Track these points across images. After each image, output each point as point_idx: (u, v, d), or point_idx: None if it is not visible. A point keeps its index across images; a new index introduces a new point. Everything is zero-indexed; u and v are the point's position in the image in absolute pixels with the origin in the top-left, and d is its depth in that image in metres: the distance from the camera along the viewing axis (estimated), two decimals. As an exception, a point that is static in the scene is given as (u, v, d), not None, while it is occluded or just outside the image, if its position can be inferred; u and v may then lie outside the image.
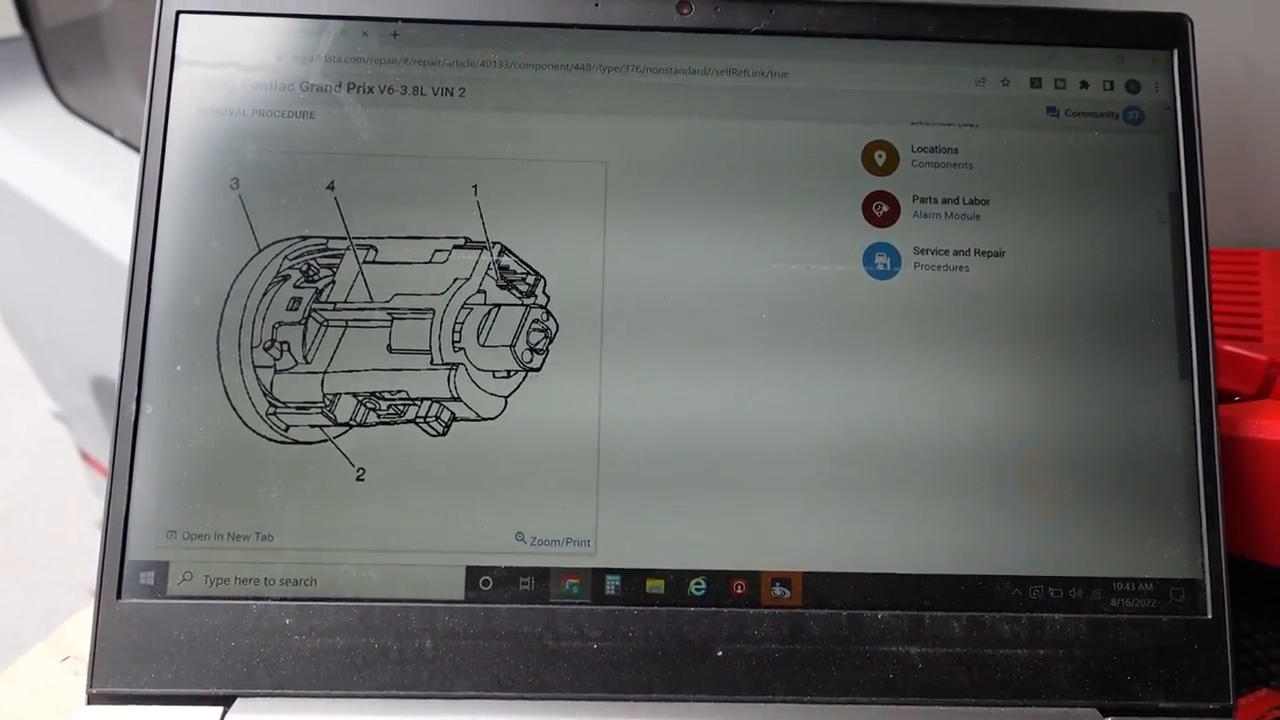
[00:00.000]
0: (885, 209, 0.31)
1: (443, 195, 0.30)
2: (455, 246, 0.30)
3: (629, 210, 0.30)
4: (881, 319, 0.30)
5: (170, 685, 0.27)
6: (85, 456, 1.07)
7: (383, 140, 0.30)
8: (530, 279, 0.30)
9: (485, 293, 0.30)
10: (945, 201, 0.31)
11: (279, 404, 0.29)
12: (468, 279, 0.30)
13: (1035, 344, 0.30)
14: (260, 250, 0.30)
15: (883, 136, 0.31)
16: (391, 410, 0.29)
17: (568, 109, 0.31)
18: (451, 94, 0.31)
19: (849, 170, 0.31)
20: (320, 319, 0.29)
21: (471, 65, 0.31)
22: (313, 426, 0.29)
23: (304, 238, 0.30)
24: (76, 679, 0.30)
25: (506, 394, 0.29)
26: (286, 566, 0.28)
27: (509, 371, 0.29)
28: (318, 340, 0.29)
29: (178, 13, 0.31)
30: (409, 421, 0.29)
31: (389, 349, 0.29)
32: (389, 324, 0.29)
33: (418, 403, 0.29)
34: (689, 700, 0.28)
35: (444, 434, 0.29)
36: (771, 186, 0.31)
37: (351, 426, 0.29)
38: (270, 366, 0.29)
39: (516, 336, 0.30)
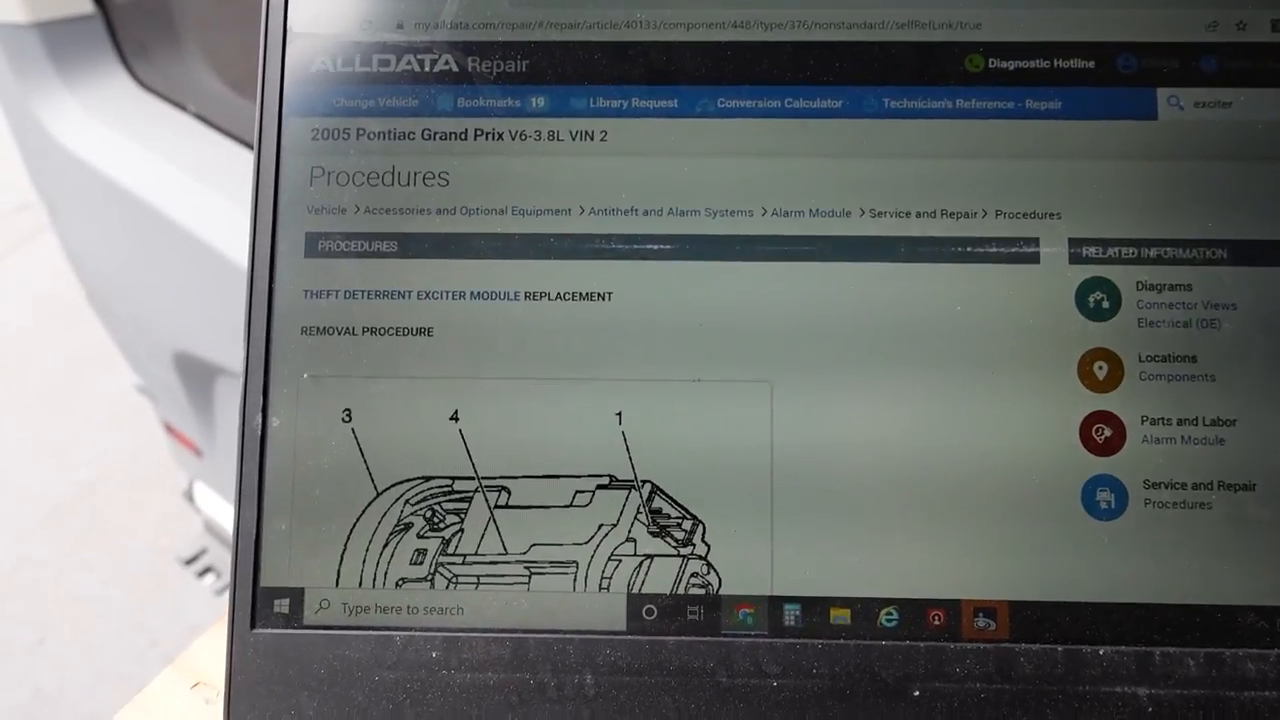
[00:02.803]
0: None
1: (582, 424, 0.26)
2: (599, 487, 0.26)
3: (797, 439, 0.26)
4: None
5: (310, 724, 0.25)
6: (169, 428, 1.08)
7: (512, 358, 0.26)
8: (687, 525, 0.26)
9: (635, 541, 0.26)
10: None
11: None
12: (614, 525, 0.26)
13: None
14: (379, 495, 0.26)
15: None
16: None
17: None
18: (598, 298, 0.27)
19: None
20: (448, 574, 0.26)
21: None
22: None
23: (426, 479, 0.26)
24: (208, 707, 0.28)
25: None
26: (431, 594, 0.26)
27: None
28: None
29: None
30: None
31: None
32: (526, 580, 0.26)
33: None
34: (882, 746, 0.25)
35: None
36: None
37: None
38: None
39: (672, 592, 0.26)
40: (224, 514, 1.13)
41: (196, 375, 0.88)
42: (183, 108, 0.83)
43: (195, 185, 0.75)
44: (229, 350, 0.79)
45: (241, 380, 0.26)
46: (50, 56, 0.82)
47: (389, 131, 0.27)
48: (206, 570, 1.26)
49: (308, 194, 0.27)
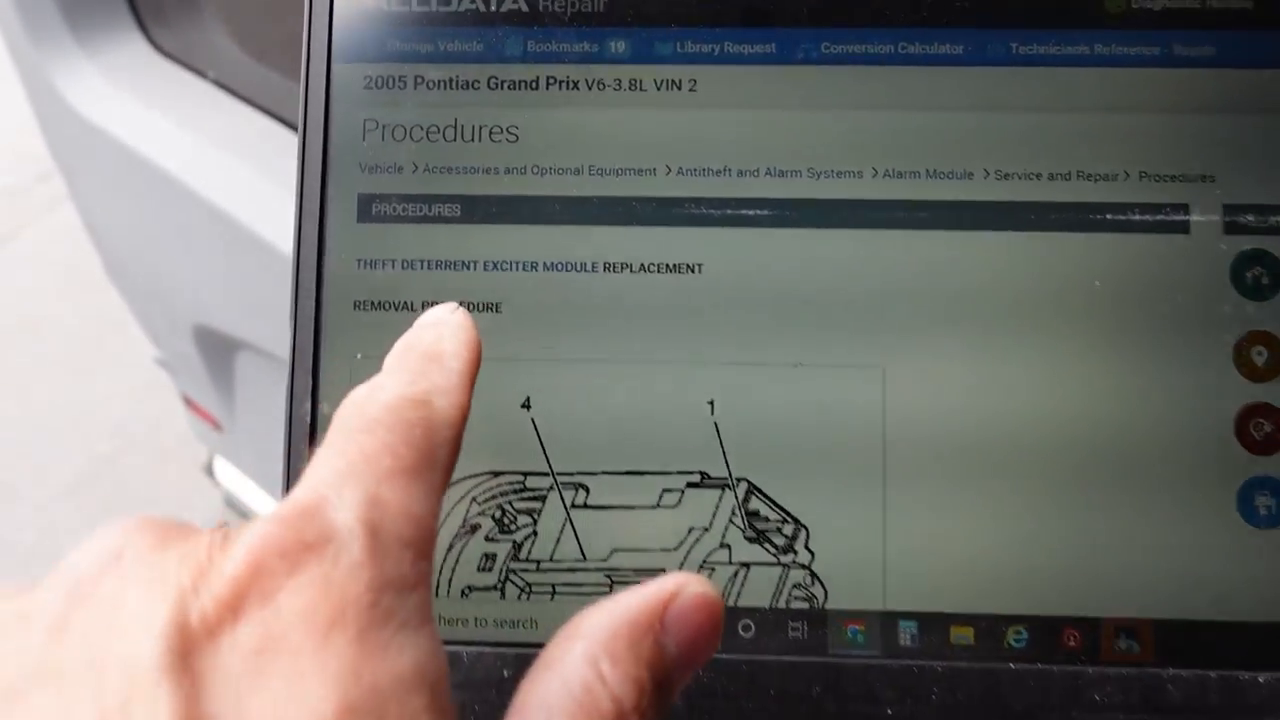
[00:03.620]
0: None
1: (670, 413, 0.23)
2: (689, 485, 0.23)
3: (913, 431, 0.23)
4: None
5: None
6: (188, 402, 1.07)
7: (590, 337, 0.23)
8: (788, 529, 0.23)
9: (730, 548, 0.23)
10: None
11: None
12: (706, 529, 0.23)
13: None
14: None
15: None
16: None
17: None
18: (687, 270, 0.24)
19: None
20: (520, 583, 0.23)
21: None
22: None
23: (495, 474, 0.23)
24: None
25: None
26: (501, 605, 0.23)
27: None
28: None
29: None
30: None
31: None
32: (608, 589, 0.23)
33: None
34: (1010, 782, 0.22)
35: None
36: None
37: None
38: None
39: (772, 605, 0.23)
40: (244, 489, 1.12)
41: (216, 349, 0.87)
42: (202, 74, 0.80)
43: (214, 154, 0.73)
44: (249, 324, 0.77)
45: (289, 360, 0.23)
46: (66, 22, 0.81)
47: (451, 79, 0.24)
48: (229, 546, 1.24)
49: (360, 150, 0.24)
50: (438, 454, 0.16)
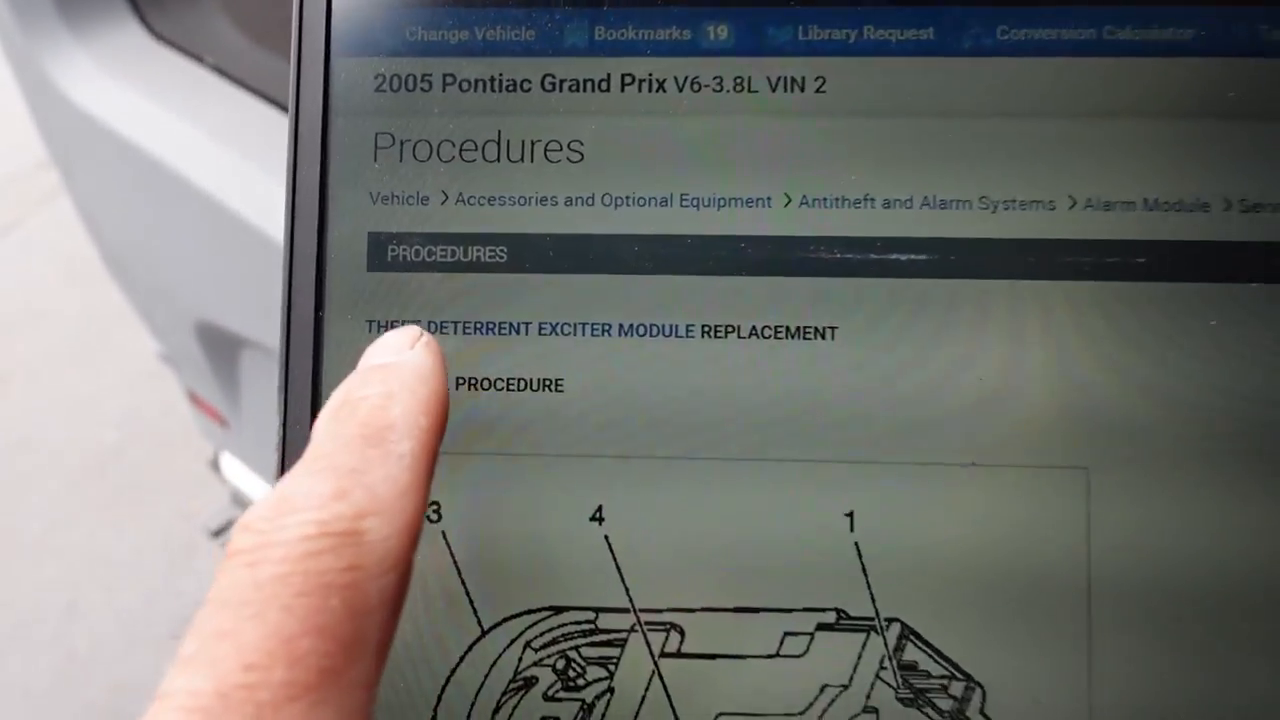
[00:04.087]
0: None
1: (795, 530, 0.17)
2: (820, 627, 0.17)
3: (1128, 560, 0.17)
4: None
5: None
6: (193, 397, 1.03)
7: (686, 428, 0.18)
8: (957, 688, 0.17)
9: (877, 713, 0.17)
10: None
11: None
12: (845, 686, 0.17)
13: None
14: (485, 634, 0.17)
15: None
16: None
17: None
18: (817, 336, 0.18)
19: None
20: None
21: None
22: None
23: (557, 610, 0.17)
24: None
25: None
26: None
27: None
28: None
29: None
30: None
31: None
32: None
33: None
34: None
35: None
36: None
37: None
38: None
39: None
40: (251, 486, 1.08)
41: (220, 346, 0.84)
42: (200, 60, 0.77)
43: (214, 144, 0.70)
44: (254, 322, 0.75)
45: (276, 456, 0.17)
46: (58, 7, 0.80)
47: (492, 79, 0.18)
48: (236, 544, 1.23)
49: (371, 175, 0.18)
50: (365, 633, 0.11)
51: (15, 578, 1.22)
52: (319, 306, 0.17)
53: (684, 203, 0.18)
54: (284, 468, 0.17)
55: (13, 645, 1.13)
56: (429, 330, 0.17)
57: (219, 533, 1.31)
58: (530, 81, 0.18)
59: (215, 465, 1.18)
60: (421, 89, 0.18)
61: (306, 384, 0.17)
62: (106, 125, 0.75)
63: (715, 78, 0.18)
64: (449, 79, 0.18)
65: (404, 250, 0.18)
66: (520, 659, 0.17)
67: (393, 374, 0.13)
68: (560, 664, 0.17)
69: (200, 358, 0.88)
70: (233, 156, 0.68)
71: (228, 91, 0.74)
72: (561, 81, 0.18)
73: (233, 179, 0.67)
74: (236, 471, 1.12)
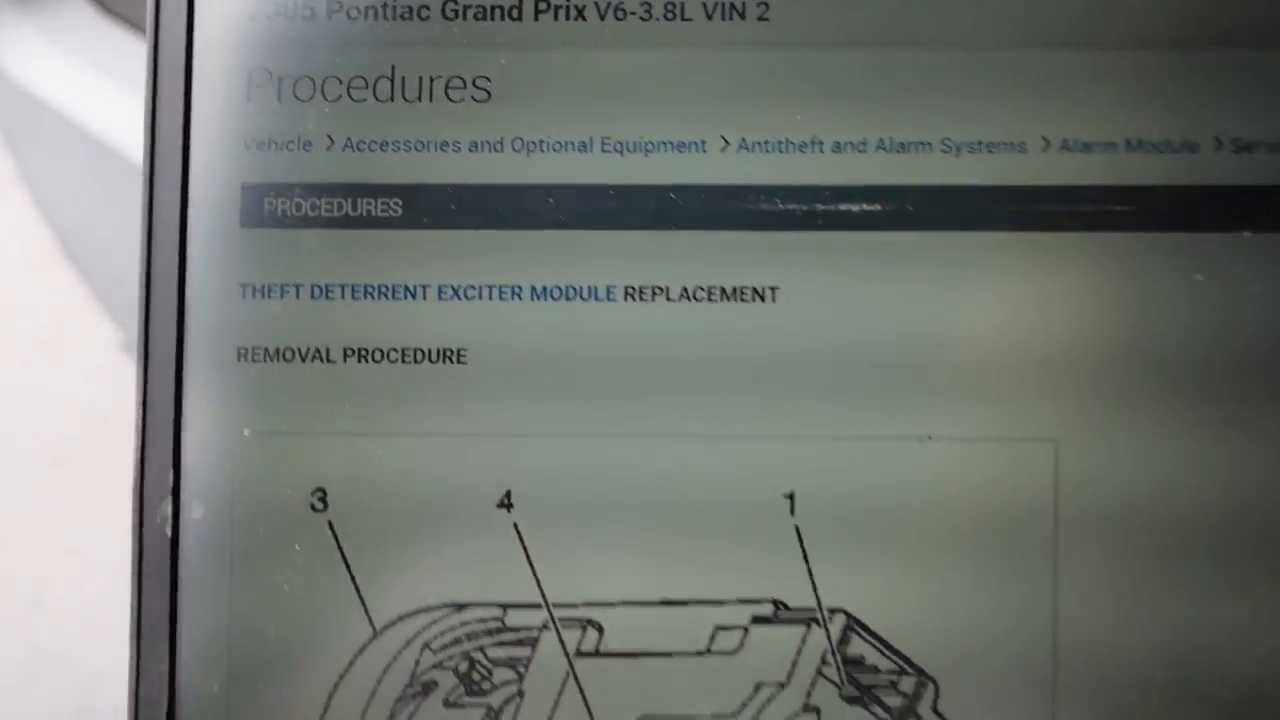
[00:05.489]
0: None
1: (727, 514, 0.15)
2: (755, 620, 0.15)
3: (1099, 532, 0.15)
4: None
5: None
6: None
7: (605, 401, 0.16)
8: (907, 684, 0.15)
9: (818, 711, 0.15)
10: None
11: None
12: (783, 684, 0.15)
13: None
14: (377, 635, 0.15)
15: None
16: None
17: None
18: (755, 298, 0.15)
19: None
20: None
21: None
22: None
23: (459, 606, 0.15)
24: None
25: None
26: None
27: None
28: None
29: None
30: None
31: None
32: None
33: None
34: None
35: None
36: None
37: None
38: None
39: None
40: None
41: None
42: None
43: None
44: None
45: (136, 439, 0.15)
46: None
47: (386, 6, 0.15)
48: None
49: (244, 117, 0.15)
50: None
51: (-23, 571, 1.21)
52: (183, 268, 0.15)
53: (605, 147, 0.15)
54: (145, 428, 0.15)
55: (-24, 639, 1.11)
56: (312, 295, 0.15)
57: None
58: (429, 9, 0.16)
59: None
60: (303, 17, 0.15)
61: (170, 349, 0.15)
62: (54, 105, 0.72)
63: (643, 4, 0.15)
64: (335, 6, 0.15)
65: (283, 203, 0.15)
66: (418, 661, 0.15)
67: None
68: (463, 666, 0.15)
69: (164, 343, 0.86)
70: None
71: (179, 63, 0.72)
72: (465, 8, 0.16)
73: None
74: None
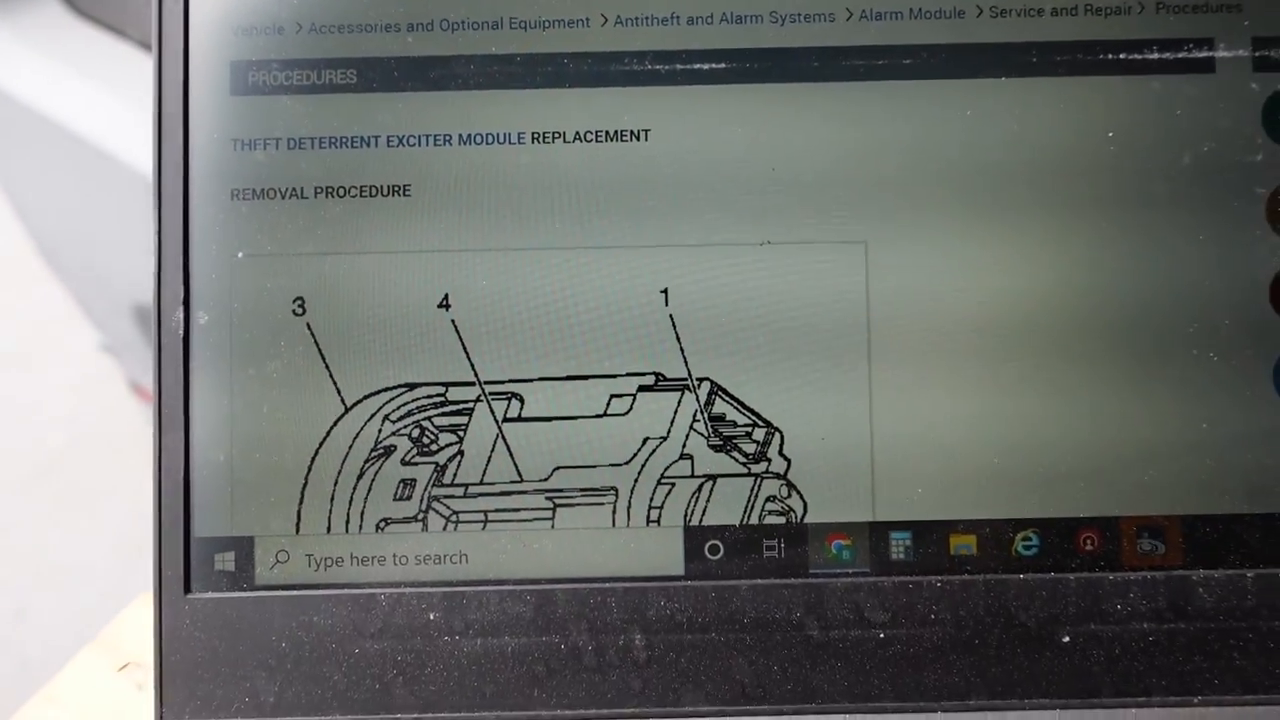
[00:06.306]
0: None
1: (616, 306, 0.20)
2: (642, 388, 0.20)
3: (902, 316, 0.20)
4: None
5: (273, 712, 0.19)
6: (135, 388, 1.02)
7: (518, 222, 0.20)
8: (759, 434, 0.20)
9: (692, 459, 0.20)
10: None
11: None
12: (664, 438, 0.20)
13: None
14: (347, 411, 0.20)
15: None
16: None
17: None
18: (631, 138, 0.20)
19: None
20: (445, 511, 0.20)
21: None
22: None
23: (411, 386, 0.20)
24: (141, 693, 0.22)
25: None
26: (424, 538, 0.19)
27: None
28: None
29: None
30: None
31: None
32: (550, 514, 0.20)
33: None
34: (1024, 708, 0.19)
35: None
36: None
37: None
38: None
39: (743, 522, 0.20)
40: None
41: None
42: (123, 34, 0.76)
43: (140, 121, 0.68)
44: None
45: (154, 262, 0.19)
46: None
47: (337, -80, 0.20)
48: (187, 533, 1.21)
49: (232, 8, 0.20)
50: None
51: (-38, 586, 1.21)
52: (186, 128, 0.19)
53: (513, 25, 0.20)
54: (160, 248, 0.19)
55: (-38, 655, 1.12)
56: (289, 147, 0.20)
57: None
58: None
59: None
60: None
61: (179, 187, 0.19)
62: (28, 105, 0.74)
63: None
64: (298, -78, 0.20)
65: (263, 75, 0.20)
66: (380, 430, 0.20)
67: None
68: (415, 433, 0.20)
69: (140, 343, 0.87)
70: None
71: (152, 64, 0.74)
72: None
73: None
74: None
